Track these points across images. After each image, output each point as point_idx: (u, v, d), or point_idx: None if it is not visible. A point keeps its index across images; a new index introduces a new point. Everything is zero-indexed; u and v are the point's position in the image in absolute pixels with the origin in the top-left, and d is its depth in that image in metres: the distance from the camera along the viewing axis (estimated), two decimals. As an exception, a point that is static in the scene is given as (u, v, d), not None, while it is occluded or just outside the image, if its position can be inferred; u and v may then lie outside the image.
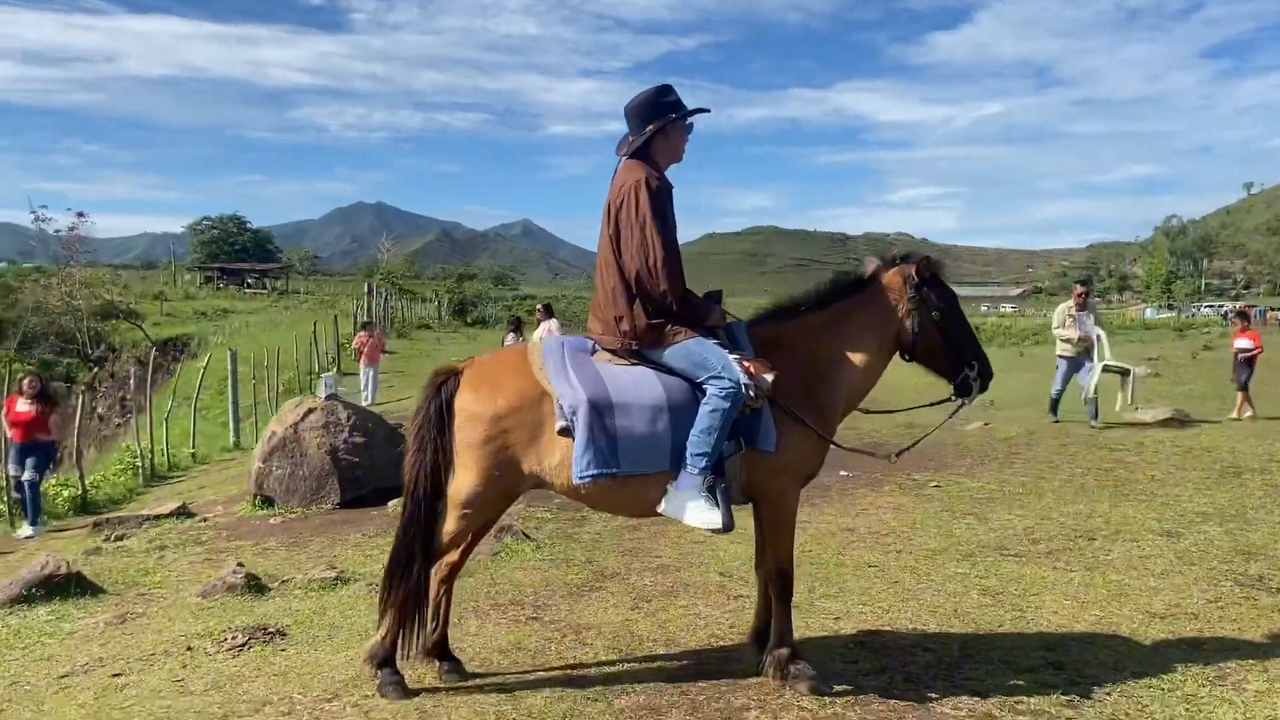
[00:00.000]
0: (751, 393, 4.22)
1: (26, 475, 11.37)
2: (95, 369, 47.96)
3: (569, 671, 4.72)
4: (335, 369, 26.83)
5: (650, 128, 4.41)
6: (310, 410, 9.79)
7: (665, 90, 4.50)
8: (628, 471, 4.26)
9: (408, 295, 56.93)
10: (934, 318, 4.58)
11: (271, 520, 9.08)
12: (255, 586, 6.35)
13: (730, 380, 4.19)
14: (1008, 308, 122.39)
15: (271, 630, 5.47)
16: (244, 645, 5.29)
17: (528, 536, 7.40)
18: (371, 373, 21.30)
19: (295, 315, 45.98)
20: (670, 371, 4.33)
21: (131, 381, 35.59)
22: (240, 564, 6.64)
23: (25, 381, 11.80)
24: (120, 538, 8.69)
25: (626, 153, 4.47)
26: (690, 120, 4.55)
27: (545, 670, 4.76)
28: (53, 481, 13.78)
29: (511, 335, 17.33)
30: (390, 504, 8.83)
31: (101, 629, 5.85)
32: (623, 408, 4.24)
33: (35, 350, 51.53)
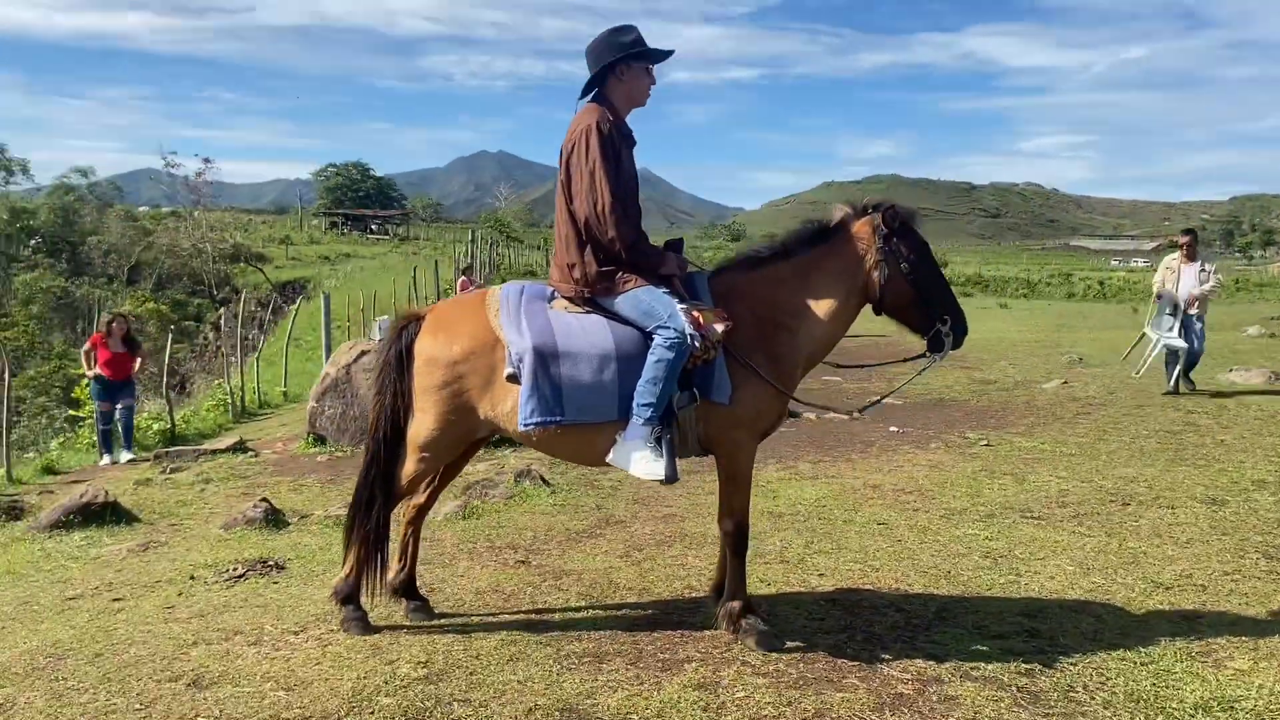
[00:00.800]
0: (696, 343, 4.13)
1: (121, 404, 11.95)
2: (220, 309, 50.21)
3: (534, 616, 4.78)
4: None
5: (600, 69, 4.33)
6: (363, 352, 10.03)
7: (622, 30, 4.37)
8: (573, 420, 4.25)
9: (515, 242, 57.68)
10: (903, 269, 4.38)
11: (319, 458, 9.39)
12: (274, 521, 6.58)
13: (675, 330, 4.12)
14: (1139, 262, 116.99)
15: (271, 564, 5.68)
16: (241, 577, 5.51)
17: (546, 482, 7.47)
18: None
19: (410, 261, 47.07)
20: (624, 321, 4.28)
21: (255, 322, 37.07)
22: (265, 499, 6.88)
23: (113, 324, 12.35)
24: (174, 470, 9.11)
25: (581, 96, 4.41)
26: (652, 63, 4.44)
27: (512, 613, 4.83)
28: (145, 415, 14.51)
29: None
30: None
31: (123, 556, 6.17)
32: (569, 356, 4.22)
33: (168, 290, 54.26)
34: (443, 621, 4.70)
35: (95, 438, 12.27)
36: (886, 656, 4.22)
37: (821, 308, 4.42)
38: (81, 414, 14.99)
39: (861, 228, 4.45)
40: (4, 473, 10.18)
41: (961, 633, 4.51)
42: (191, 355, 35.04)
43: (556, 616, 4.76)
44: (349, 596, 4.60)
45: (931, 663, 4.15)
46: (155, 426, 13.85)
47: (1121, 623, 4.64)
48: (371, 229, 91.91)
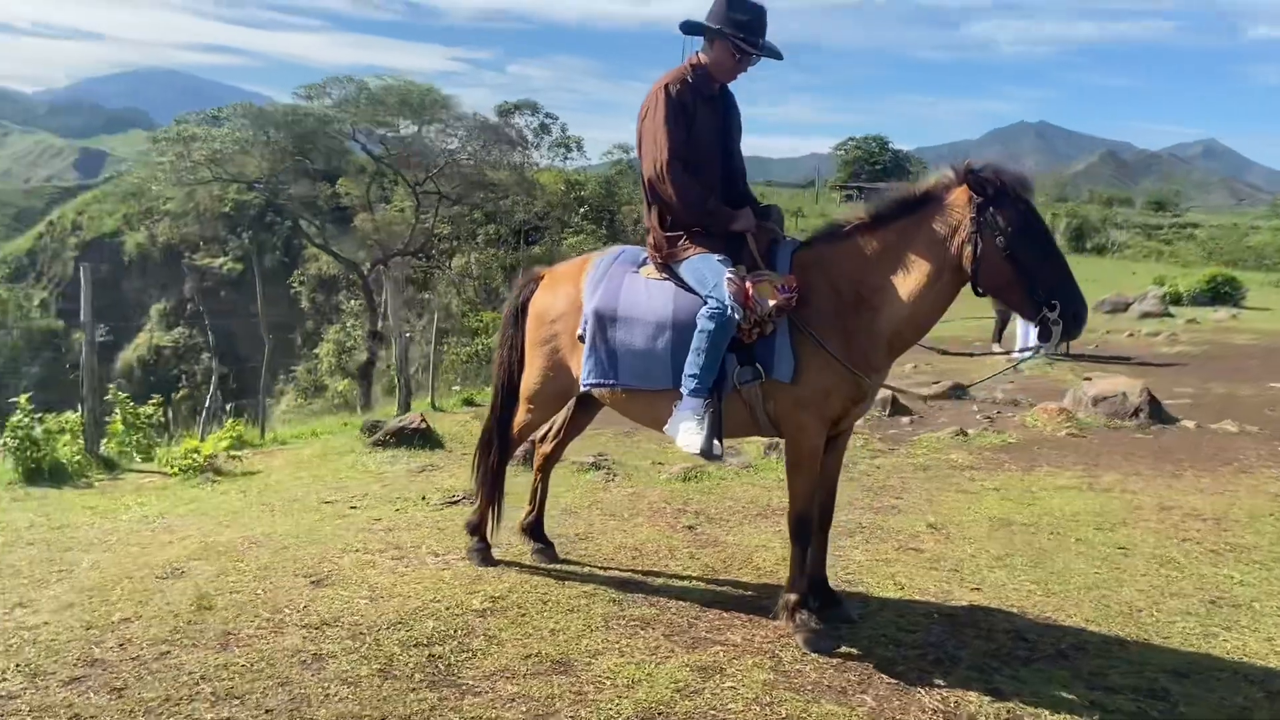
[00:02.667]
0: (737, 315, 3.95)
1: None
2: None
3: (636, 576, 4.88)
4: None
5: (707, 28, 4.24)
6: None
7: (738, 5, 4.20)
8: (627, 384, 4.29)
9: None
10: (998, 244, 3.77)
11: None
12: (611, 465, 7.13)
13: (718, 301, 3.99)
14: None
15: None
16: (455, 502, 6.19)
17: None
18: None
19: None
20: (689, 289, 4.20)
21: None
22: (598, 456, 7.36)
23: None
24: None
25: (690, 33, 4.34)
26: (745, 53, 4.22)
27: (621, 570, 4.96)
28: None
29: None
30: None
31: (400, 474, 7.17)
32: (626, 321, 4.26)
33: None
34: (559, 567, 4.96)
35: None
36: (939, 682, 3.76)
37: (908, 284, 3.97)
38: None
39: (959, 195, 3.90)
40: (430, 401, 11.98)
41: (1064, 674, 3.86)
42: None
43: (658, 581, 4.80)
44: (475, 528, 5.05)
45: (986, 698, 3.63)
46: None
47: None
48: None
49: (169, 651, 3.86)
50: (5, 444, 8.17)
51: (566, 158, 74.06)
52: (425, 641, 4.00)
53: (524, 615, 4.30)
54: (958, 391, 10.17)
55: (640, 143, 4.28)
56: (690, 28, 4.27)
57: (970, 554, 5.31)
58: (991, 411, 9.53)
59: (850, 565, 5.10)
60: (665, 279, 4.30)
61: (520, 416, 4.84)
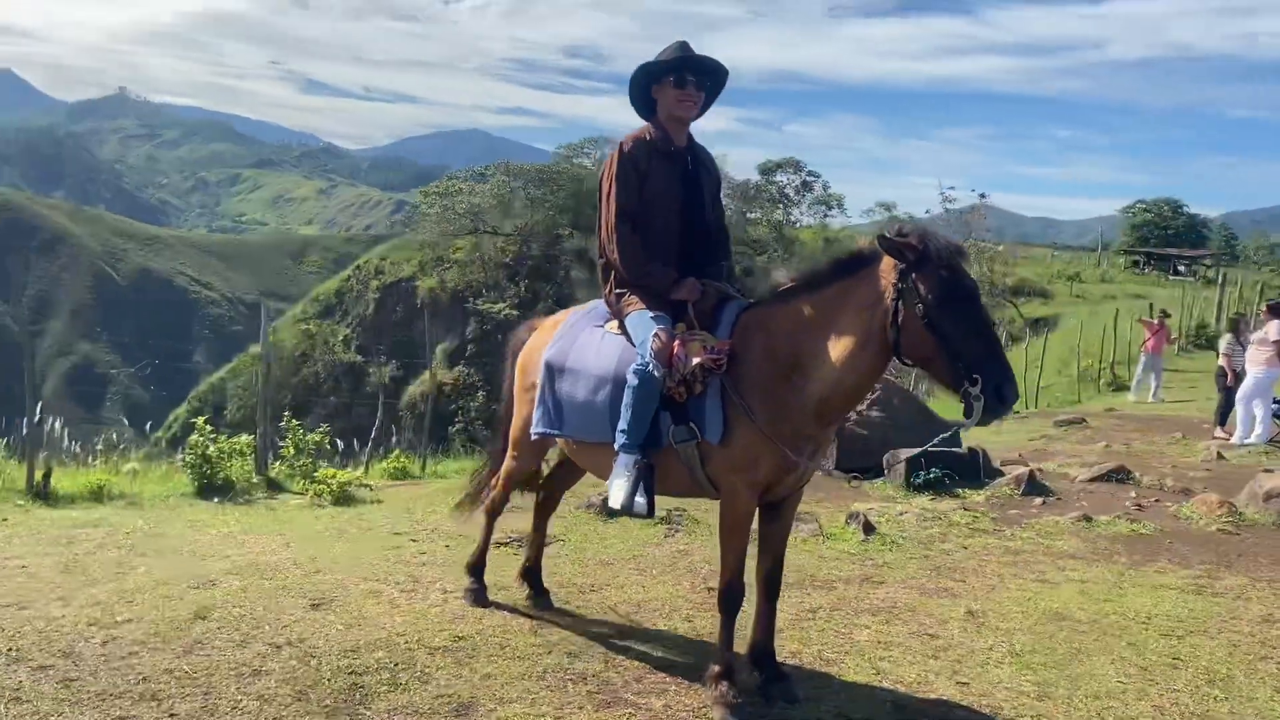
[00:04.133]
0: (657, 373, 3.93)
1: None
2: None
3: (616, 631, 4.86)
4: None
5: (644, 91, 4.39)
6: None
7: (663, 51, 4.36)
8: (570, 435, 4.39)
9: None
10: (918, 312, 3.58)
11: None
12: (688, 520, 7.17)
13: (642, 358, 3.99)
14: None
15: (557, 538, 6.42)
16: (503, 544, 6.37)
17: (870, 529, 6.99)
18: (1150, 362, 19.68)
19: (1203, 302, 42.25)
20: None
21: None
22: (674, 510, 7.39)
23: None
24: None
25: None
26: (674, 75, 4.28)
27: (608, 625, 4.95)
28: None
29: (1228, 337, 14.68)
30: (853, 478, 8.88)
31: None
32: (572, 373, 4.34)
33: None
34: (546, 615, 5.03)
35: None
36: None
37: (837, 351, 3.81)
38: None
39: (888, 261, 3.72)
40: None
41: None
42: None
43: (633, 639, 4.77)
44: (472, 569, 5.22)
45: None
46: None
47: None
48: (1179, 270, 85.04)
49: (137, 653, 4.27)
50: (185, 460, 9.20)
51: (827, 215, 74.00)
52: (361, 670, 4.20)
53: (471, 657, 4.41)
54: (1118, 475, 9.30)
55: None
56: (648, 103, 4.36)
57: (987, 646, 4.89)
58: (1150, 499, 8.63)
59: (844, 644, 4.84)
60: (620, 334, 4.33)
61: (506, 463, 4.99)
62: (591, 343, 4.38)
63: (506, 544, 6.39)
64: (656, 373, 3.94)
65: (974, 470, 8.95)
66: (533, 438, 4.54)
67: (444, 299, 62.24)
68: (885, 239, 3.66)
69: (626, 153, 4.30)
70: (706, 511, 7.59)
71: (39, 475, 8.12)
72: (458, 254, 45.66)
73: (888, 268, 3.71)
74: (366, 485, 8.91)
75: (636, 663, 4.47)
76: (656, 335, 4.02)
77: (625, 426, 4.05)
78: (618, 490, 4.08)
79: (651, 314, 4.16)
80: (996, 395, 3.49)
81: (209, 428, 9.15)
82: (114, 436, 12.34)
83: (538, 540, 5.27)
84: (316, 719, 3.75)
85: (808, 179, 58.43)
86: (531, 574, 5.24)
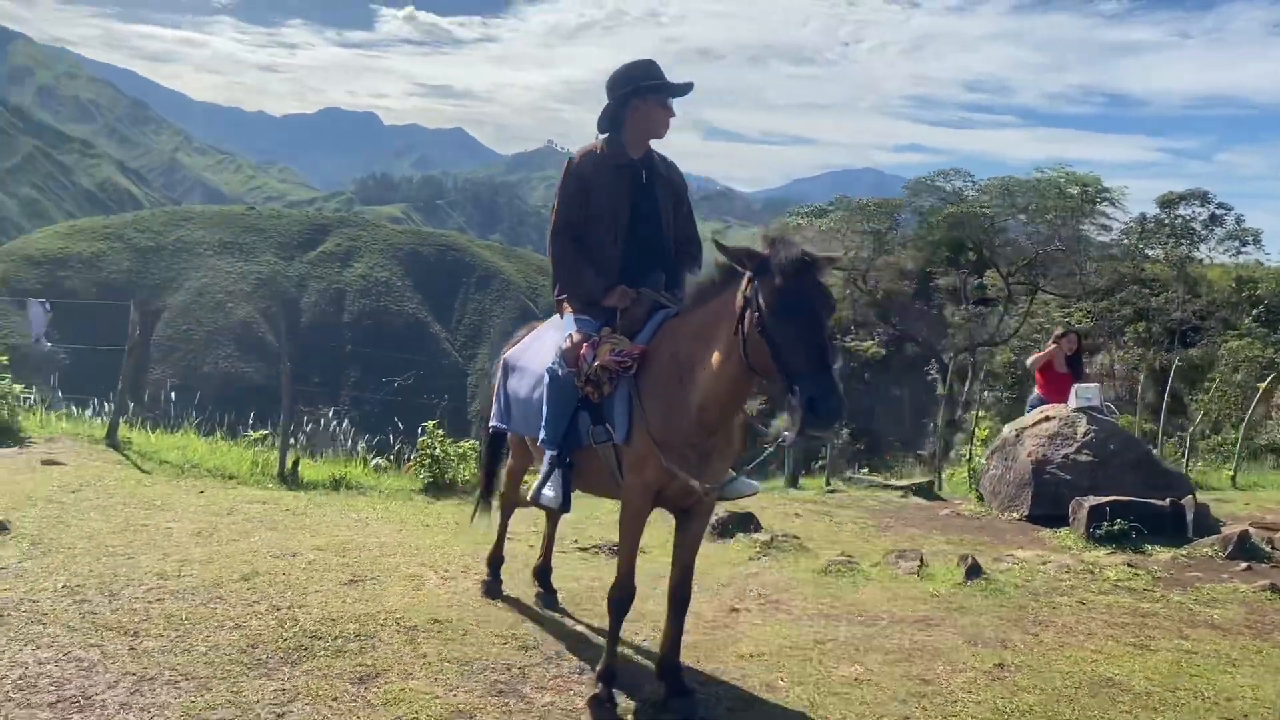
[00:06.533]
0: (560, 371, 4.08)
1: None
2: None
3: (595, 634, 4.94)
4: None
5: (617, 103, 4.45)
6: (1046, 419, 9.20)
7: (637, 65, 4.43)
8: (517, 430, 4.68)
9: None
10: (756, 320, 3.54)
11: (954, 513, 9.11)
12: (792, 547, 7.13)
13: (554, 359, 4.16)
14: None
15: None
16: (584, 549, 6.60)
17: (976, 573, 6.38)
18: None
19: None
20: None
21: None
22: (779, 534, 7.30)
23: (1064, 338, 10.44)
24: (831, 491, 9.92)
25: (601, 131, 4.55)
26: (666, 97, 4.41)
27: (593, 628, 5.05)
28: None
29: None
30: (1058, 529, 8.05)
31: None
32: (519, 370, 4.63)
33: None
34: (547, 612, 5.25)
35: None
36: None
37: (714, 359, 3.83)
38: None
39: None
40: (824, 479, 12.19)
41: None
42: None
43: (591, 647, 4.82)
44: (489, 561, 5.55)
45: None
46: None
47: None
48: None
49: (163, 600, 5.03)
50: (418, 459, 10.30)
51: (1240, 252, 65.53)
52: (321, 637, 4.66)
53: (427, 638, 4.73)
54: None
55: None
56: (614, 117, 4.46)
57: (977, 700, 4.41)
58: None
59: (816, 677, 4.58)
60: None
61: (508, 461, 5.26)
62: (541, 342, 4.62)
63: (586, 549, 6.62)
64: (560, 371, 4.11)
65: (1177, 525, 7.81)
66: (490, 429, 4.84)
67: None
68: (721, 246, 3.68)
69: (574, 167, 4.49)
70: (819, 542, 7.37)
71: (289, 463, 9.50)
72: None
73: (746, 278, 3.64)
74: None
75: (570, 662, 4.55)
76: (569, 336, 4.21)
77: (543, 423, 4.27)
78: (542, 486, 4.29)
79: (579, 317, 4.33)
80: (809, 407, 3.33)
81: (439, 433, 10.18)
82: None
83: (546, 543, 5.50)
84: (242, 668, 4.24)
85: (1217, 212, 52.55)
86: (542, 573, 5.46)
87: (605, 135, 4.51)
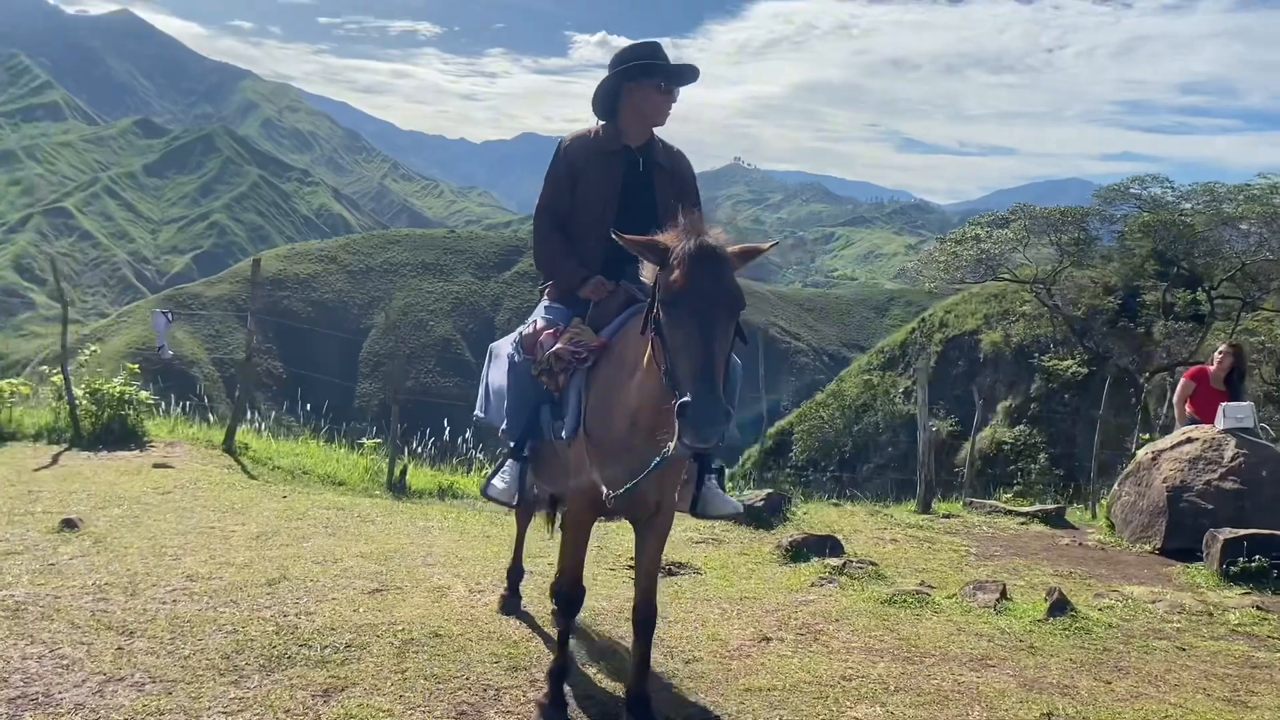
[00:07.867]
0: (517, 357, 3.94)
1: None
2: None
3: (584, 655, 4.68)
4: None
5: (613, 86, 4.26)
6: (1188, 440, 8.17)
7: (638, 46, 4.20)
8: (493, 421, 4.56)
9: None
10: (651, 320, 3.28)
11: (1078, 543, 8.21)
12: (865, 574, 6.54)
13: (512, 344, 4.02)
14: None
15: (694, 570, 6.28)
16: (671, 573, 6.27)
17: (1062, 609, 5.67)
18: None
19: None
20: None
21: None
22: (856, 559, 6.78)
23: (1221, 354, 9.63)
24: (948, 515, 9.16)
25: (601, 115, 4.35)
26: (663, 81, 4.17)
27: (585, 648, 4.78)
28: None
29: None
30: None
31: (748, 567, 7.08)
32: (497, 359, 4.62)
33: None
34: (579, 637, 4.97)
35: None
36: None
37: (644, 359, 3.49)
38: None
39: (673, 265, 3.33)
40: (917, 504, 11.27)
41: None
42: None
43: (598, 665, 4.55)
44: (508, 575, 5.32)
45: None
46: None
47: None
48: None
49: (179, 600, 5.07)
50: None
51: None
52: (312, 646, 4.54)
53: (416, 652, 4.55)
54: None
55: None
56: (610, 102, 4.25)
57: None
58: None
59: (826, 715, 4.13)
60: (545, 324, 4.30)
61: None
62: (523, 332, 4.39)
63: (671, 573, 6.29)
64: (517, 357, 4.00)
65: (1332, 564, 6.77)
66: (475, 418, 4.69)
67: (1007, 354, 59.96)
68: (619, 235, 3.38)
69: (563, 152, 4.31)
70: (900, 570, 6.80)
71: (397, 472, 9.64)
72: (1024, 308, 43.67)
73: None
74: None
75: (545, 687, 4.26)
76: (533, 323, 4.07)
77: (504, 414, 4.16)
78: (497, 478, 4.14)
79: (550, 305, 4.19)
80: (679, 412, 2.99)
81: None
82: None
83: (516, 545, 5.35)
84: (215, 673, 4.17)
85: None
86: (511, 573, 5.35)
87: (606, 118, 4.31)
